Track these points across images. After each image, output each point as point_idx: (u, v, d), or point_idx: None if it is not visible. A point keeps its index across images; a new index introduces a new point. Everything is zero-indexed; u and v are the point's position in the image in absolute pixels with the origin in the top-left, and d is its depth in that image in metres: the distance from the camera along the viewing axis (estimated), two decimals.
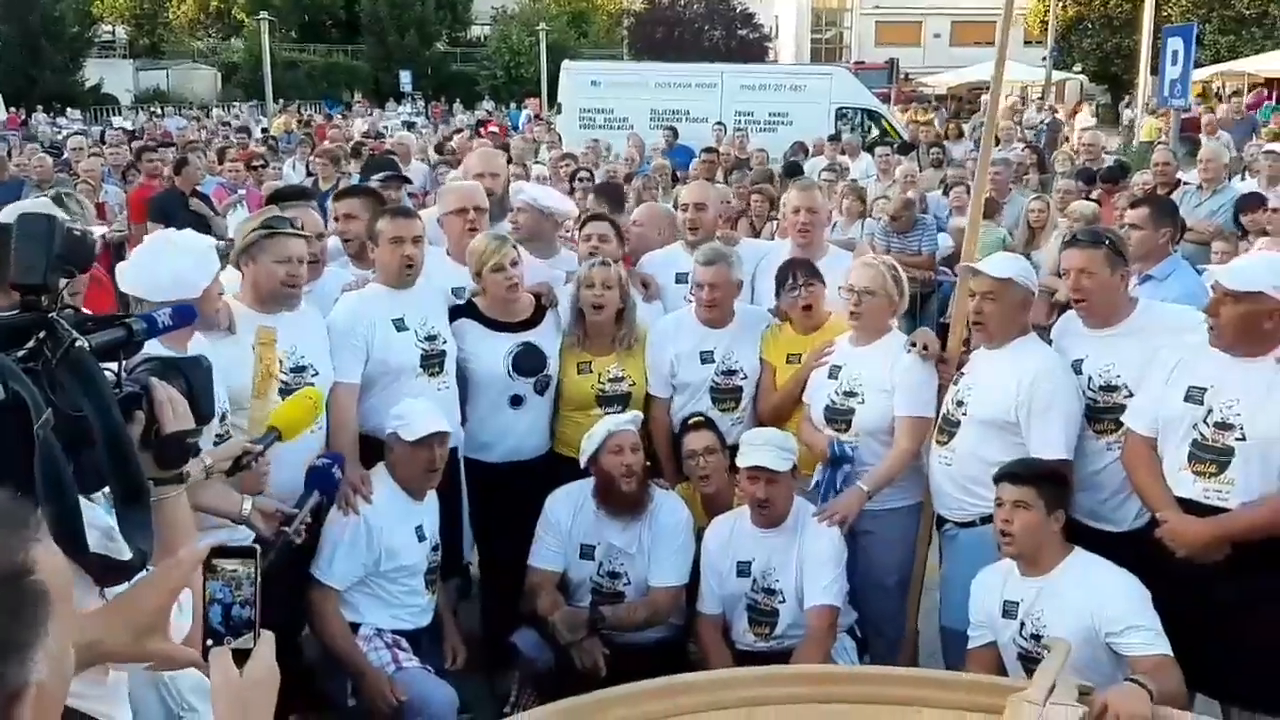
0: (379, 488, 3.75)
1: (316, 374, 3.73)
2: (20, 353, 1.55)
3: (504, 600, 4.23)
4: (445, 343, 4.14)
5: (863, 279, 4.07)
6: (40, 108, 29.28)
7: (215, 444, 3.03)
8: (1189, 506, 3.38)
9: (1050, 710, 2.62)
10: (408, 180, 7.37)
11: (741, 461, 3.84)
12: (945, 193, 9.81)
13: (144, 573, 1.61)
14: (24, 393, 1.46)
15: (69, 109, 30.60)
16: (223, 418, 3.31)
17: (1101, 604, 3.18)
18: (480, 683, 4.07)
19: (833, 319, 4.38)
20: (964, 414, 3.83)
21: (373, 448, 3.91)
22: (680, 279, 4.72)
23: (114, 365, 1.76)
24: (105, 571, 1.58)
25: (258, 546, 1.53)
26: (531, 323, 4.36)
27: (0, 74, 31.80)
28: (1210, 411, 3.35)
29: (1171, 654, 3.10)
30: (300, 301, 3.74)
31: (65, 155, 12.06)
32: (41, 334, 1.58)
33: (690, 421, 4.23)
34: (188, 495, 1.89)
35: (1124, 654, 3.11)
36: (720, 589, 3.90)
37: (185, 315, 2.13)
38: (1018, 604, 3.34)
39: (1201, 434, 3.37)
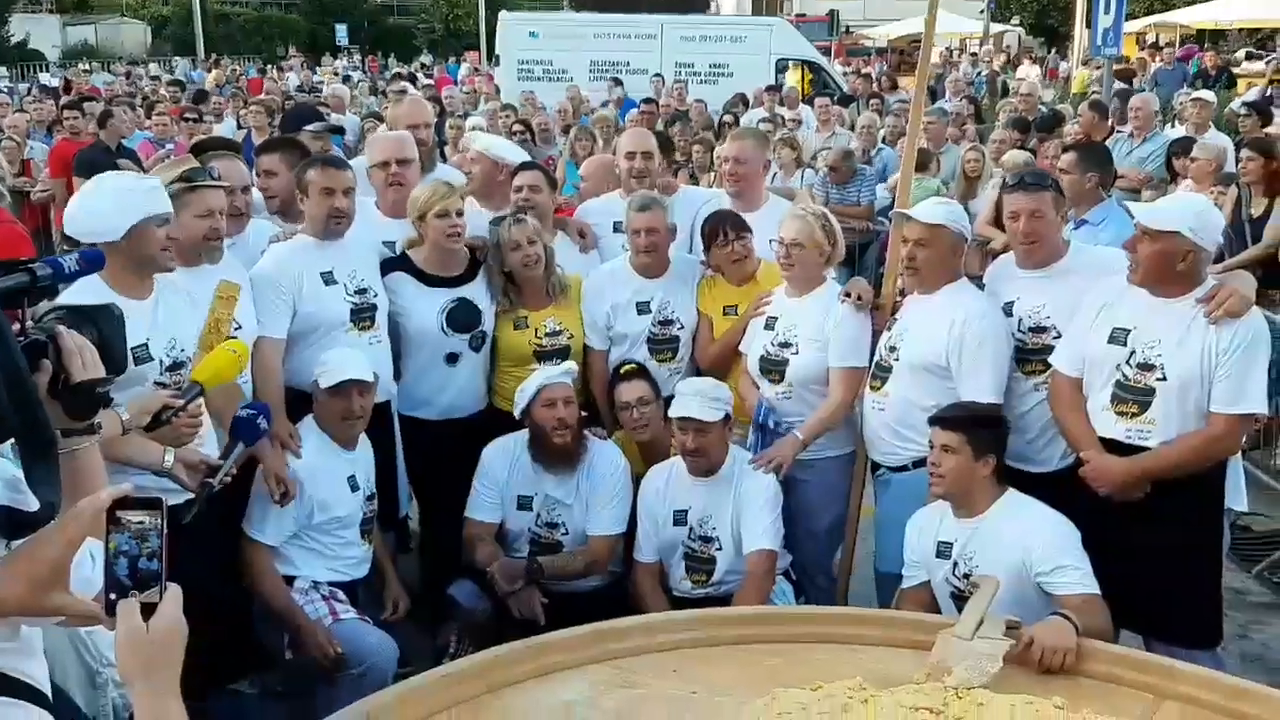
0: (308, 439, 3.70)
1: (239, 328, 3.65)
2: None
3: (443, 553, 4.23)
4: (376, 296, 4.08)
5: (791, 231, 4.07)
6: None
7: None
8: (1111, 446, 3.46)
9: (977, 644, 2.67)
10: (340, 130, 7.24)
11: (672, 412, 3.85)
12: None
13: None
14: None
15: None
16: (175, 367, 3.25)
17: (1031, 544, 3.24)
18: (420, 635, 4.05)
19: (765, 268, 4.38)
20: (896, 359, 3.87)
21: (306, 403, 3.85)
22: (618, 228, 4.68)
23: (19, 313, 1.71)
24: (11, 524, 1.54)
25: (163, 498, 1.50)
26: (466, 277, 4.31)
27: None
28: (1133, 353, 3.42)
29: (1099, 593, 3.17)
30: (222, 254, 3.66)
31: None
32: None
33: (622, 371, 4.22)
34: (105, 448, 1.85)
35: (1053, 593, 3.17)
36: (657, 537, 3.92)
37: (92, 261, 2.07)
38: (951, 544, 3.40)
39: (1124, 375, 3.43)
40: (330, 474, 3.66)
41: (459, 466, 4.12)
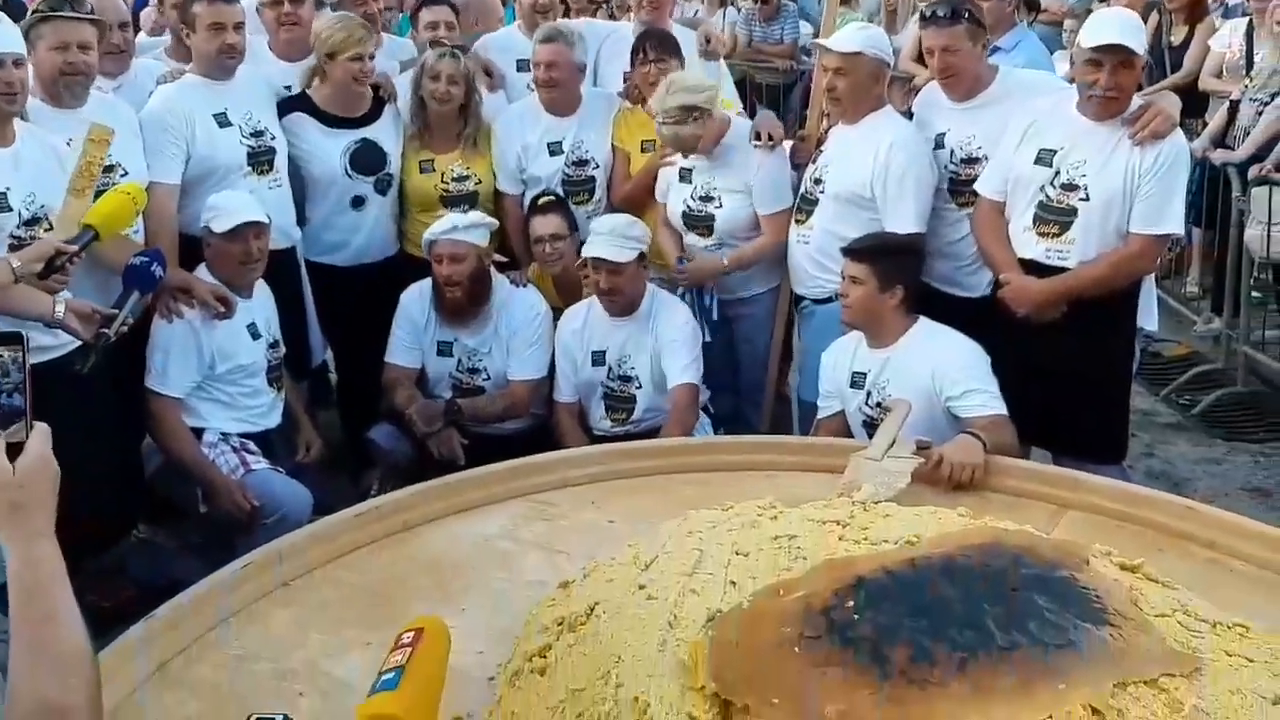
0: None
1: (125, 174, 3.49)
2: None
3: (362, 400, 4.18)
4: (274, 139, 3.92)
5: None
6: None
7: (16, 249, 2.83)
8: (1031, 268, 3.49)
9: (887, 462, 2.71)
10: None
11: (585, 252, 3.79)
12: None
13: None
14: None
15: None
16: (34, 221, 3.09)
17: (942, 369, 3.28)
18: (342, 483, 4.04)
19: None
20: (821, 192, 3.83)
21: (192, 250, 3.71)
22: (522, 66, 4.52)
23: None
24: None
25: (23, 332, 1.41)
26: (369, 118, 4.15)
27: None
28: (1058, 173, 3.42)
29: (1005, 413, 3.23)
30: (88, 93, 3.44)
31: None
32: None
33: (539, 204, 4.12)
34: None
35: (962, 415, 3.22)
36: (575, 376, 3.90)
37: None
38: (865, 374, 3.43)
39: (1048, 195, 3.44)
40: (228, 322, 3.55)
41: (373, 312, 4.04)
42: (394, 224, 4.31)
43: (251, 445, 3.59)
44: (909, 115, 3.97)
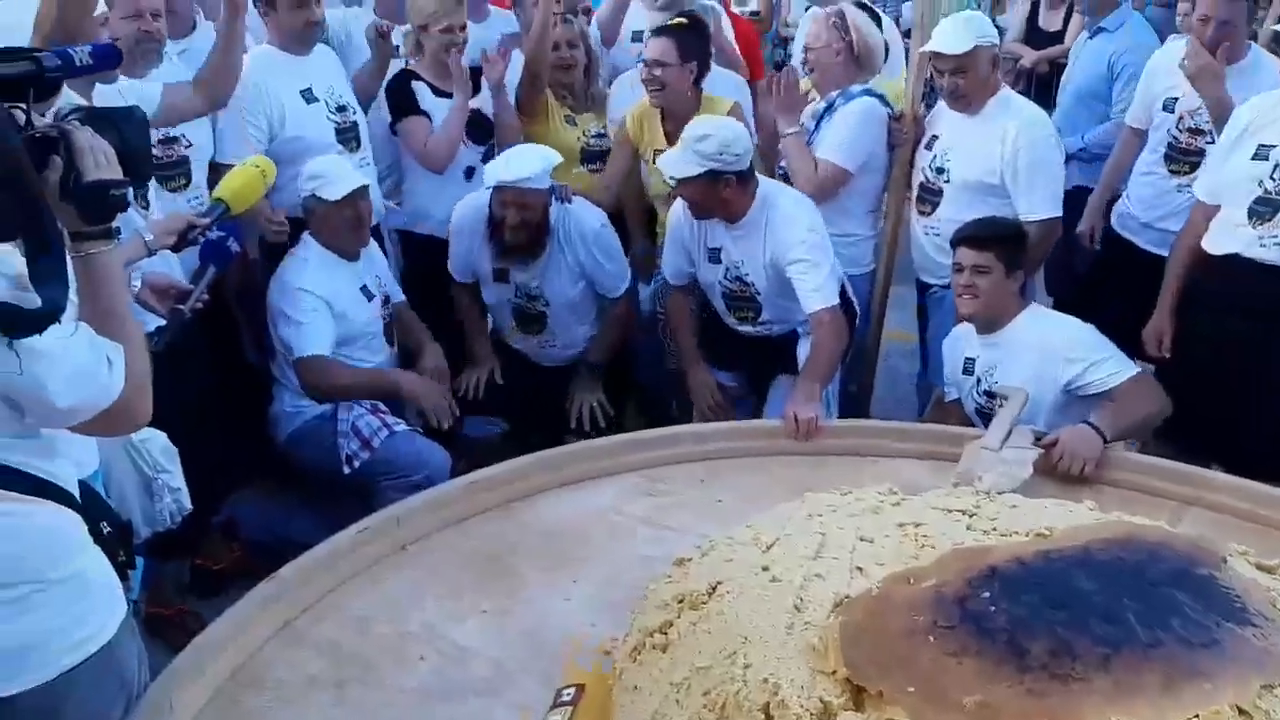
0: (311, 259, 3.54)
1: (190, 145, 3.50)
2: None
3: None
4: (355, 113, 3.89)
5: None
6: None
7: None
8: (1244, 267, 3.28)
9: (1006, 452, 2.67)
10: None
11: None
12: None
13: (58, 325, 1.52)
14: None
15: None
16: None
17: (1051, 353, 3.16)
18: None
19: None
20: (946, 181, 3.75)
21: (291, 229, 3.70)
22: (637, 38, 4.47)
23: (22, 105, 1.62)
24: (8, 320, 1.49)
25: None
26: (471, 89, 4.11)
27: None
28: (1277, 166, 3.27)
29: (1138, 370, 3.11)
30: (160, 60, 3.34)
31: None
32: None
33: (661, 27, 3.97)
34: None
35: (1096, 392, 3.07)
36: (690, 266, 3.75)
37: (105, 55, 1.92)
38: (975, 360, 3.36)
39: (1267, 189, 3.26)
40: (343, 286, 3.53)
41: None
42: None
43: (383, 405, 3.58)
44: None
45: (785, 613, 1.75)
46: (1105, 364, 3.09)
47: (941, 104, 3.86)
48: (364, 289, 3.62)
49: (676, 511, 2.68)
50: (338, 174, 3.51)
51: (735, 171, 3.41)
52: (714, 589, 1.91)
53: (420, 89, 4.03)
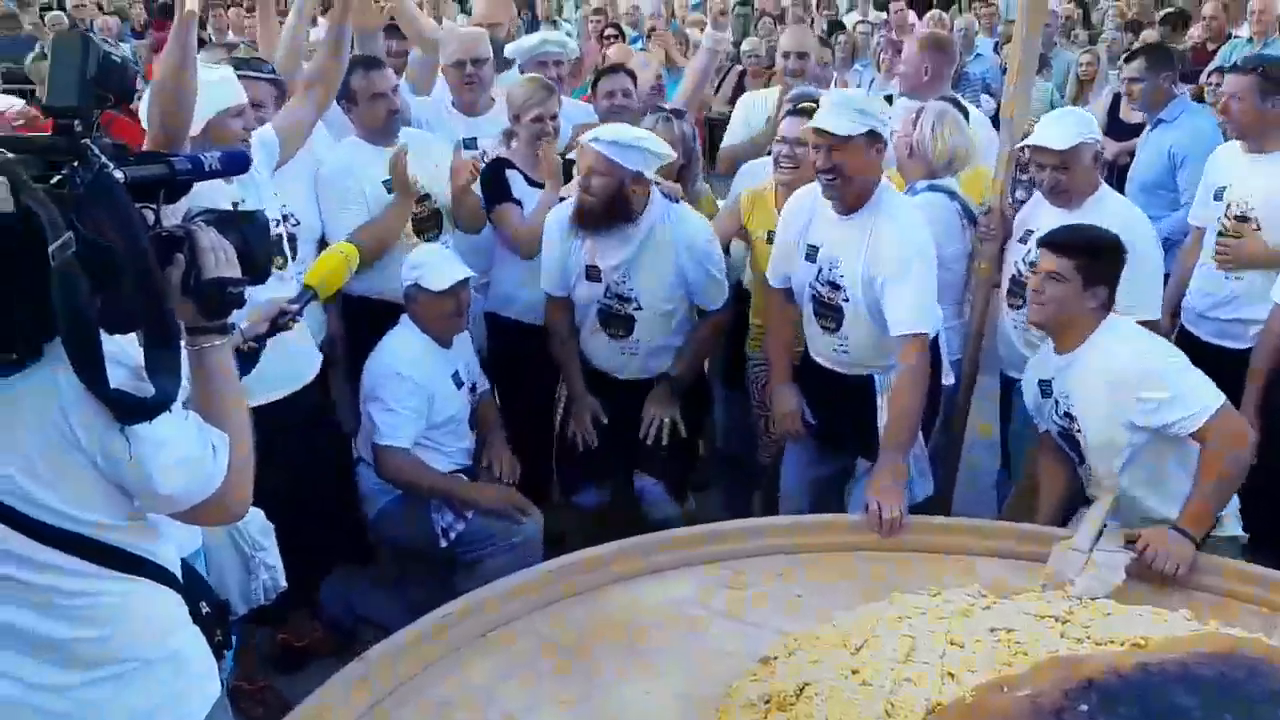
0: (411, 344, 3.62)
1: (297, 223, 3.63)
2: (54, 180, 1.50)
3: (526, 452, 3.99)
4: (437, 201, 4.01)
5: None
6: None
7: None
8: None
9: (1097, 555, 2.61)
10: None
11: (812, 123, 3.38)
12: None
13: (168, 413, 1.58)
14: (38, 209, 1.42)
15: None
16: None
17: (1122, 384, 2.98)
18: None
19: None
20: None
21: (374, 314, 3.82)
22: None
23: (152, 205, 1.71)
24: (123, 408, 1.55)
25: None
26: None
27: None
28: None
29: (1217, 404, 2.90)
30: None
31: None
32: (74, 162, 1.52)
33: (799, 106, 3.88)
34: None
35: (1178, 434, 2.92)
36: (787, 263, 3.63)
37: (234, 160, 2.00)
38: (1050, 381, 3.23)
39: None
40: (437, 373, 3.60)
41: (543, 367, 4.04)
42: None
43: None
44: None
45: (876, 718, 1.73)
46: (1177, 404, 2.90)
47: (1038, 197, 3.85)
48: (455, 375, 3.68)
49: (756, 606, 2.66)
50: (441, 264, 3.60)
51: (884, 140, 3.33)
52: (801, 690, 1.90)
53: (514, 177, 4.12)
